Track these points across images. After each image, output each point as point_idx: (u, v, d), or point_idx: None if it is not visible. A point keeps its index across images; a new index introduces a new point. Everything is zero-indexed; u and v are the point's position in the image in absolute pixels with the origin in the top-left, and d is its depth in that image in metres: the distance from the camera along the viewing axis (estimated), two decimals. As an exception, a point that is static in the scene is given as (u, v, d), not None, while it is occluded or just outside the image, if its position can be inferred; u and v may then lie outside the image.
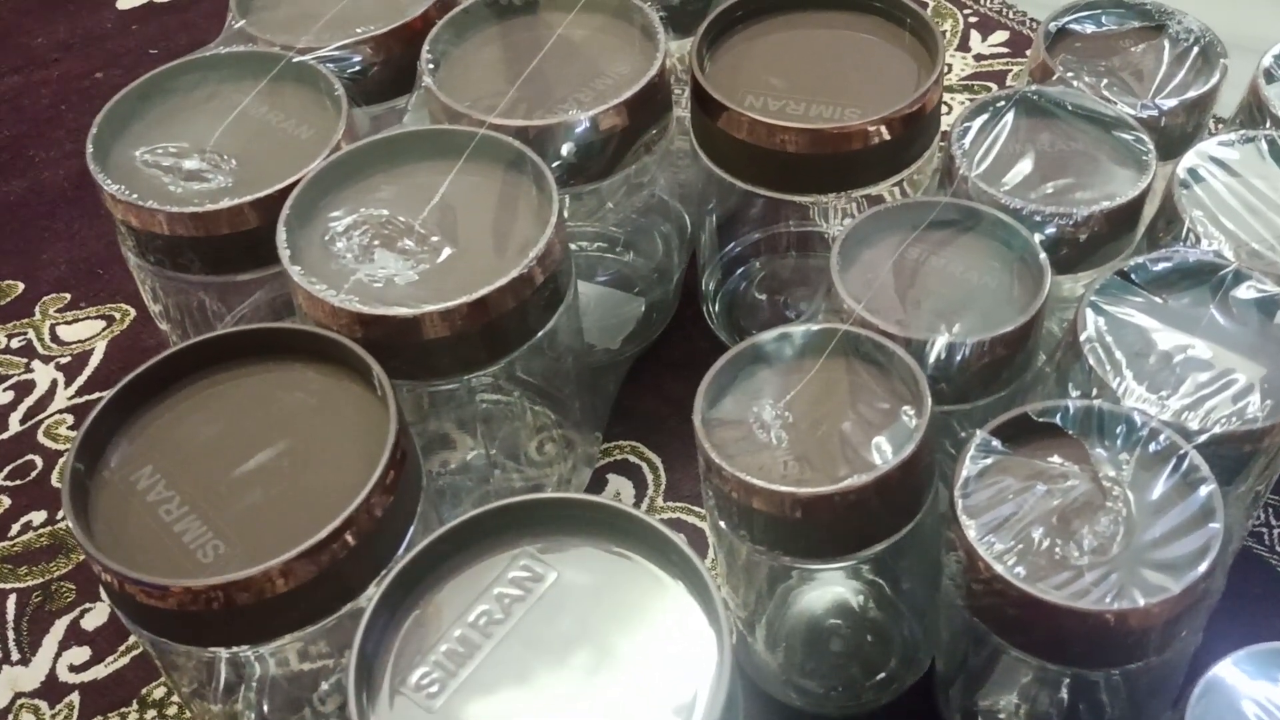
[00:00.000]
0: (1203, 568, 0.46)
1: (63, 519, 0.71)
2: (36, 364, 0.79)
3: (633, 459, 0.72)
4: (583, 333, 0.67)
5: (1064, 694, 0.54)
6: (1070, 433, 0.50)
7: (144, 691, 0.64)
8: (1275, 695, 0.45)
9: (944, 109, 0.67)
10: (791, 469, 0.50)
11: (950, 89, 0.91)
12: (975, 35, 0.96)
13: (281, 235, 0.57)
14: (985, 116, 0.63)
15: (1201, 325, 0.54)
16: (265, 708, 0.60)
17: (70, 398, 0.77)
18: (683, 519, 0.69)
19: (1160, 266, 0.55)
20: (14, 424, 0.76)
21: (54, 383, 0.78)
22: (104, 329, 0.81)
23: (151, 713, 0.63)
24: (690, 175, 0.73)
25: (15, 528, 0.71)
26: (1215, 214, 0.58)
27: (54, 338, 0.81)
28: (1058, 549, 0.47)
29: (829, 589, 0.63)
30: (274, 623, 0.49)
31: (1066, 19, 0.69)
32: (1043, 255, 0.56)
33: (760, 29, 0.69)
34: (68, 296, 0.84)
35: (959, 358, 0.53)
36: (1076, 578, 0.46)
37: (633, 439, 0.72)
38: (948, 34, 0.96)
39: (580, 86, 0.65)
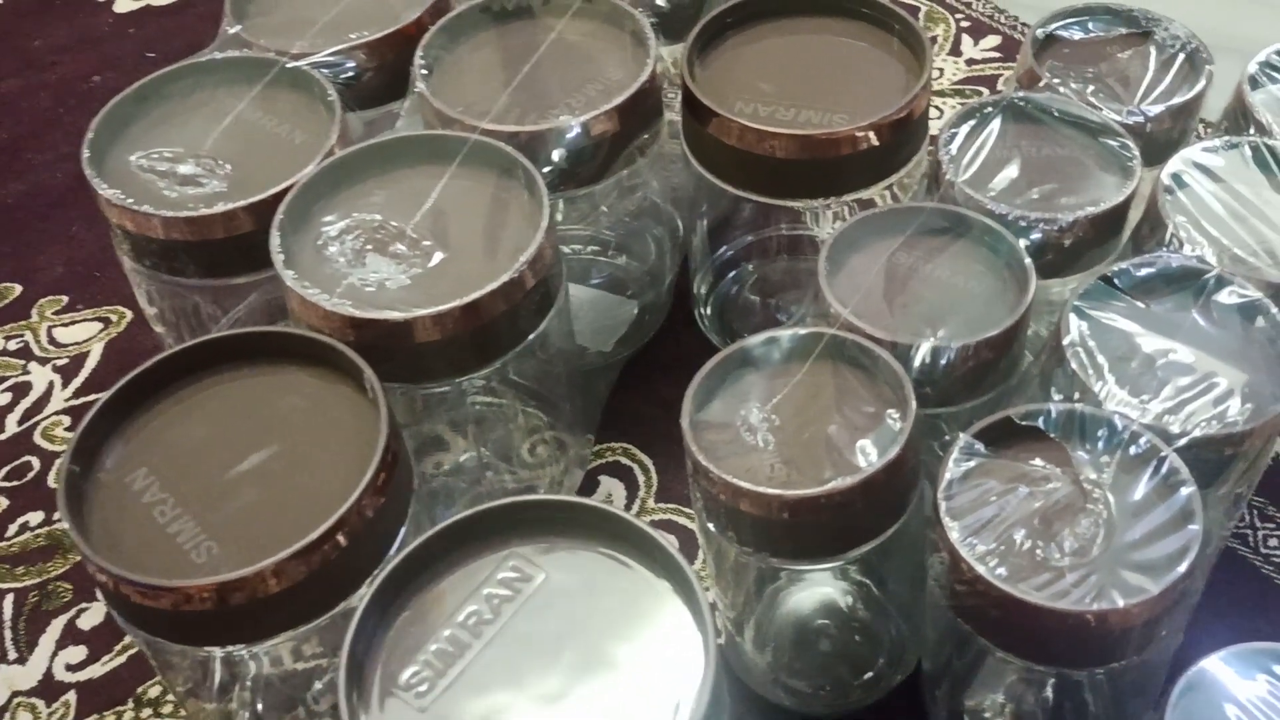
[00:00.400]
0: (1182, 569, 0.46)
1: (59, 520, 0.71)
2: (34, 366, 0.80)
3: (624, 461, 0.72)
4: (575, 335, 0.67)
5: (1049, 693, 0.55)
6: (1052, 436, 0.51)
7: (139, 690, 0.64)
8: (1256, 694, 0.45)
9: (935, 113, 0.68)
10: (778, 471, 0.51)
11: (942, 93, 0.91)
12: (967, 40, 0.96)
13: (275, 240, 0.57)
14: (972, 122, 0.63)
15: (1184, 330, 0.54)
16: (259, 706, 0.60)
17: (67, 399, 0.78)
18: (674, 520, 0.69)
19: (1144, 272, 0.56)
20: (11, 425, 0.77)
21: (51, 384, 0.79)
22: (101, 331, 0.82)
23: (147, 711, 0.63)
24: (682, 179, 0.73)
25: (13, 528, 0.72)
26: (1199, 220, 0.58)
27: (51, 340, 0.81)
28: (1039, 550, 0.47)
29: (817, 589, 0.63)
30: (267, 622, 0.49)
31: (1055, 25, 0.69)
32: (1028, 260, 0.56)
33: (750, 35, 0.69)
34: (65, 299, 0.84)
35: (944, 361, 0.54)
36: (1057, 579, 0.47)
37: (624, 441, 0.73)
38: (940, 38, 0.96)
39: (572, 92, 0.65)
